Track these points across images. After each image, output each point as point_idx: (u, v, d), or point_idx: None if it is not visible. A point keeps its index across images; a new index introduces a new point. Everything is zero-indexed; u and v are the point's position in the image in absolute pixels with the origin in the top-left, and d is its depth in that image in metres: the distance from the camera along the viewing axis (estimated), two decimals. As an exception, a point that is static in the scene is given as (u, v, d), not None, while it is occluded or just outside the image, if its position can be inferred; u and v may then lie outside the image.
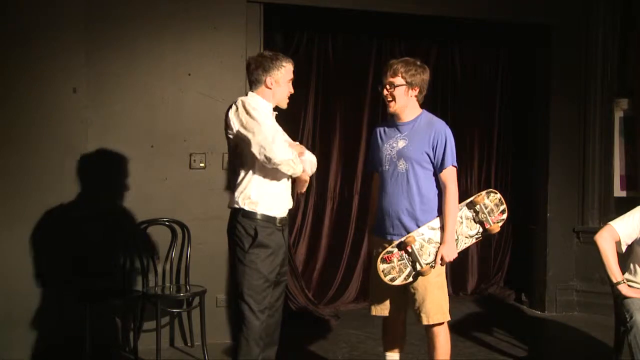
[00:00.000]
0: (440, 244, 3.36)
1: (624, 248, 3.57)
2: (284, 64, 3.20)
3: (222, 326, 4.72)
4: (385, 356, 3.69)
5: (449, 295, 3.52)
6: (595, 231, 3.70)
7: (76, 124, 4.43)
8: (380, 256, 3.36)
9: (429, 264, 3.35)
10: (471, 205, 3.49)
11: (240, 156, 3.14)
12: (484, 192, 3.53)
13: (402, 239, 3.34)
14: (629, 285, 3.53)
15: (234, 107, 3.11)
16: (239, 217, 3.12)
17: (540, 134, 5.83)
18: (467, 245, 3.50)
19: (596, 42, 5.65)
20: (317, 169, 5.72)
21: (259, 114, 3.05)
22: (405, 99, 3.41)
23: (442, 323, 3.42)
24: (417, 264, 3.34)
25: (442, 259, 3.35)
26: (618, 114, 5.66)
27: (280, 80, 3.20)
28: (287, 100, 3.29)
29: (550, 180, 5.70)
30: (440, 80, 6.20)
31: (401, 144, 3.40)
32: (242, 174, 3.14)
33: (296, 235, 5.76)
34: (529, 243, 6.04)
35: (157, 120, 4.60)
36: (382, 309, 3.54)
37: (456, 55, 6.26)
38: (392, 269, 3.35)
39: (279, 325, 3.34)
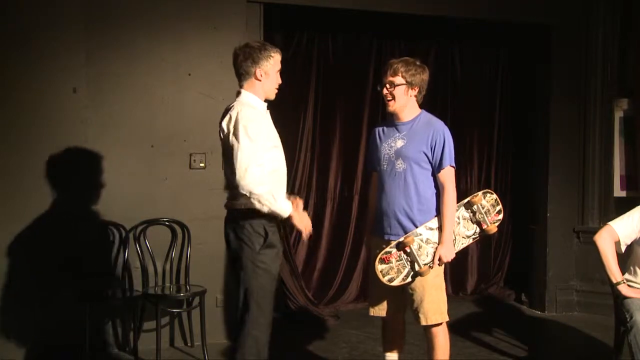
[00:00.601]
0: (438, 244, 3.37)
1: (623, 248, 3.56)
2: (272, 54, 3.14)
3: (222, 326, 4.72)
4: (384, 356, 3.69)
5: (449, 295, 3.53)
6: (595, 231, 3.70)
7: (76, 124, 4.43)
8: (379, 257, 3.36)
9: (427, 264, 3.36)
10: (468, 206, 3.50)
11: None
12: (480, 193, 3.54)
13: (401, 240, 3.35)
14: (629, 286, 3.53)
15: (228, 116, 3.05)
16: (247, 217, 3.03)
17: (540, 134, 5.83)
18: (464, 245, 3.50)
19: (596, 42, 5.65)
20: (317, 169, 5.85)
21: (247, 133, 2.96)
22: (405, 98, 3.41)
23: (441, 323, 3.42)
24: (416, 264, 3.34)
25: (440, 259, 3.35)
26: (618, 114, 5.65)
27: (270, 71, 3.14)
28: (276, 92, 3.23)
29: (550, 180, 5.70)
30: (440, 80, 6.19)
31: (399, 143, 3.40)
32: None
33: (296, 236, 5.75)
34: (529, 243, 6.04)
35: (157, 120, 4.60)
36: (381, 310, 3.55)
37: (456, 55, 6.25)
38: (391, 270, 3.36)
39: None
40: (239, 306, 3.09)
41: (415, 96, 3.45)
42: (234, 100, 3.16)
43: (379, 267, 3.35)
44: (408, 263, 3.36)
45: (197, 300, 4.44)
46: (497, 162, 6.41)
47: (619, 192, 5.63)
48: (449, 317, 3.45)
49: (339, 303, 5.75)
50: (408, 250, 3.33)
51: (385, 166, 3.43)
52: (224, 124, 3.05)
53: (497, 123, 6.39)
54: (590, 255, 5.10)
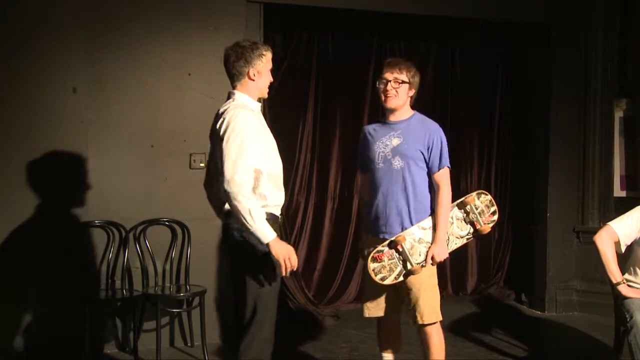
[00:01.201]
0: (432, 243, 3.38)
1: (623, 248, 3.57)
2: (264, 52, 3.09)
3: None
4: (381, 357, 3.70)
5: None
6: (595, 231, 3.70)
7: (76, 124, 4.43)
8: (371, 255, 3.37)
9: (419, 263, 3.37)
10: (462, 206, 3.52)
11: None
12: (474, 193, 3.56)
13: (392, 238, 3.36)
14: (628, 286, 3.53)
15: (222, 119, 2.99)
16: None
17: (540, 134, 5.83)
18: (457, 245, 3.52)
19: (596, 42, 5.65)
20: (317, 169, 5.84)
21: (241, 140, 2.89)
22: (405, 97, 3.44)
23: (435, 322, 3.43)
24: (408, 263, 3.35)
25: (433, 258, 3.36)
26: (618, 114, 5.66)
27: (262, 70, 3.09)
28: (268, 90, 3.19)
29: (550, 180, 5.70)
30: (440, 80, 6.20)
31: (395, 141, 3.41)
32: None
33: (296, 235, 5.76)
34: (529, 243, 6.04)
35: (157, 120, 4.60)
36: (376, 311, 3.56)
37: (456, 55, 6.25)
38: (383, 268, 3.36)
39: None
40: (245, 307, 3.02)
41: (411, 97, 3.48)
42: (226, 110, 3.05)
43: (371, 265, 3.36)
44: (400, 262, 3.37)
45: (197, 300, 4.44)
46: (497, 162, 6.40)
47: (619, 192, 5.63)
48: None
49: (339, 303, 5.75)
50: (400, 249, 3.34)
51: (380, 164, 3.43)
52: (218, 126, 2.99)
53: (497, 123, 6.38)
54: (590, 255, 5.09)
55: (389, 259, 3.36)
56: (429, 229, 3.40)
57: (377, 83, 3.49)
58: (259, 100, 3.19)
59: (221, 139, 2.94)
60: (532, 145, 6.04)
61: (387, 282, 3.37)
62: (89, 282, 4.38)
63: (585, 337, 5.05)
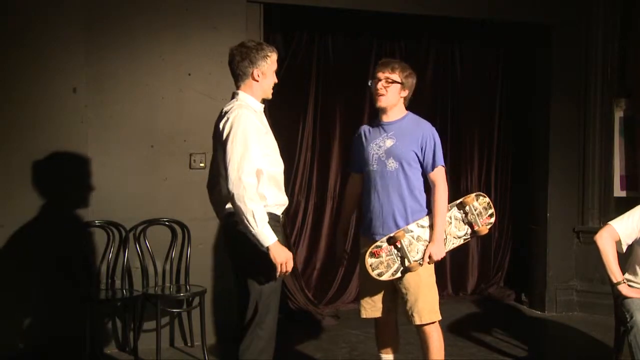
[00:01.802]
0: (429, 242, 3.38)
1: (624, 248, 3.57)
2: (269, 53, 3.08)
3: (222, 326, 4.72)
4: (380, 357, 3.71)
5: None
6: (595, 231, 3.70)
7: (76, 124, 4.43)
8: (369, 250, 3.37)
9: (417, 260, 3.37)
10: (461, 206, 3.52)
11: None
12: (473, 195, 3.57)
13: (392, 234, 3.36)
14: (629, 286, 3.53)
15: (225, 118, 2.98)
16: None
17: (540, 134, 5.83)
18: (455, 245, 3.52)
19: (596, 42, 5.65)
20: (318, 168, 5.84)
21: (245, 141, 2.89)
22: (396, 97, 3.44)
23: (434, 322, 3.43)
24: (406, 259, 3.35)
25: (430, 257, 3.37)
26: (618, 114, 5.66)
27: (267, 71, 3.09)
28: (272, 90, 3.18)
29: (550, 180, 5.70)
30: (440, 80, 6.19)
31: (389, 143, 3.41)
32: None
33: (296, 235, 5.76)
34: (529, 243, 6.04)
35: (157, 120, 4.60)
36: (372, 311, 3.57)
37: (456, 55, 6.25)
38: (380, 264, 3.37)
39: None
40: (247, 306, 3.02)
41: (404, 98, 3.48)
42: (229, 110, 3.04)
43: (369, 260, 3.36)
44: (398, 258, 3.37)
45: (197, 300, 4.44)
46: (497, 162, 6.40)
47: (619, 192, 5.63)
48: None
49: (339, 303, 5.75)
50: (399, 246, 3.35)
51: (375, 166, 3.43)
52: (221, 126, 2.99)
53: (497, 123, 6.38)
54: (590, 255, 5.11)
55: (387, 255, 3.37)
56: (427, 227, 3.41)
57: (370, 82, 3.49)
58: (263, 101, 3.18)
59: (225, 139, 2.94)
60: (532, 145, 6.04)
61: (384, 277, 3.37)
62: (89, 282, 4.38)
63: (585, 337, 5.05)
